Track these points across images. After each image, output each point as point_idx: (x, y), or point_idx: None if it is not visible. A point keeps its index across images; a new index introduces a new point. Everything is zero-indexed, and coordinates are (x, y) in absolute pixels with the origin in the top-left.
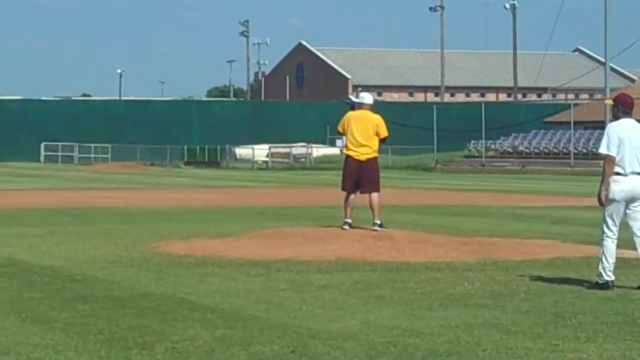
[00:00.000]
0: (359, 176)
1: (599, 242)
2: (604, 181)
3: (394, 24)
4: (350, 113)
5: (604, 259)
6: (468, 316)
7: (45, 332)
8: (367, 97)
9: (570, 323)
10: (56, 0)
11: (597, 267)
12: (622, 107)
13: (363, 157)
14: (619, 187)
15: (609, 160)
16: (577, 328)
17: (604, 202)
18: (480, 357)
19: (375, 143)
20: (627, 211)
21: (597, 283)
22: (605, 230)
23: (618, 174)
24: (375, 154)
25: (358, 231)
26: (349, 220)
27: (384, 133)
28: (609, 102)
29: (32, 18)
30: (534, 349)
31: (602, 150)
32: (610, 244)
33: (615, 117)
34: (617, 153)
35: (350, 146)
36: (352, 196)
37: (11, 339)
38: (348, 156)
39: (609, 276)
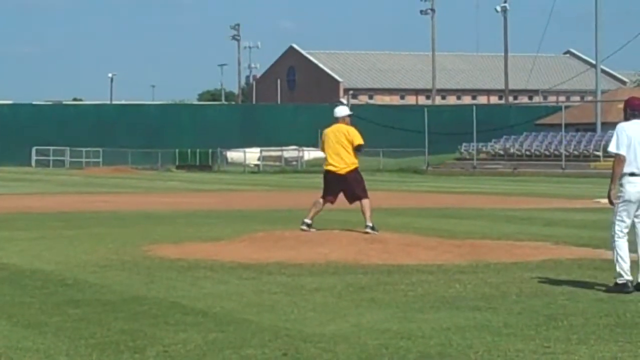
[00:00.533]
0: (340, 188)
1: (611, 244)
2: (614, 180)
3: (385, 27)
4: (326, 130)
5: (620, 260)
6: (460, 318)
7: (36, 336)
8: (339, 111)
9: (561, 325)
10: (46, 4)
11: (615, 269)
12: (630, 109)
13: (342, 171)
14: (634, 188)
15: (619, 159)
16: (568, 330)
17: (614, 201)
18: (472, 359)
19: (352, 154)
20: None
21: (616, 284)
22: (618, 230)
23: (633, 174)
24: (354, 166)
25: (350, 234)
26: (308, 221)
27: (358, 141)
28: (621, 105)
29: (23, 22)
30: (526, 350)
31: (612, 149)
32: (623, 244)
33: (626, 120)
34: (628, 153)
35: (328, 160)
36: (321, 201)
37: (2, 343)
38: (327, 171)
39: (628, 275)
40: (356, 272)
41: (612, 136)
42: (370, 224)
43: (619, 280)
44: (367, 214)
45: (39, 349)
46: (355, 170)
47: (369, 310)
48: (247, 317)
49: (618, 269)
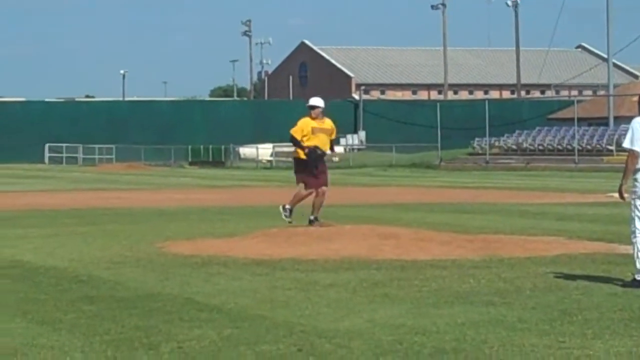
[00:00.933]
0: None
1: (631, 240)
2: (626, 175)
3: (396, 22)
4: None
5: None
6: (474, 313)
7: (51, 333)
8: None
9: (576, 320)
10: (58, 1)
11: (635, 265)
12: None
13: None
14: None
15: (632, 154)
16: (583, 325)
17: (624, 196)
18: (487, 354)
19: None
20: None
21: (634, 280)
22: (639, 226)
23: None
24: (296, 155)
25: (362, 230)
26: (311, 217)
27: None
28: (635, 98)
29: (35, 19)
30: (540, 345)
31: (626, 144)
32: None
33: None
34: None
35: None
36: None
37: (17, 340)
38: None
39: None
40: (370, 268)
41: (625, 130)
42: (288, 206)
43: (638, 277)
44: (293, 198)
45: (53, 346)
46: (296, 159)
47: (383, 306)
48: (261, 313)
49: (638, 266)
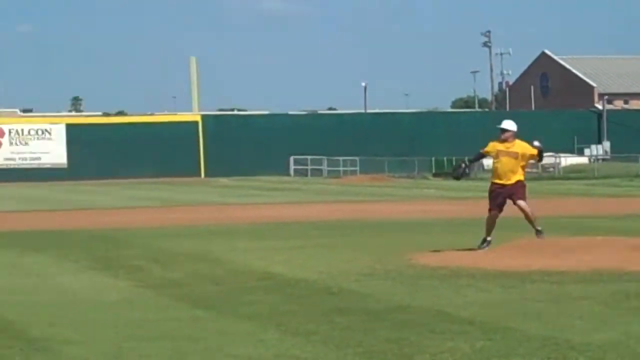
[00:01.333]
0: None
1: None
2: None
3: (636, 31)
4: None
5: None
6: None
7: (304, 344)
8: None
9: None
10: (300, 17)
11: None
12: None
13: None
14: None
15: None
16: None
17: None
18: None
19: None
20: None
21: None
22: None
23: None
24: None
25: (613, 241)
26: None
27: None
28: None
29: (279, 34)
30: None
31: None
32: None
33: None
34: None
35: None
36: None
37: (272, 351)
38: None
39: None
40: (622, 280)
41: None
42: (487, 237)
43: None
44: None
45: (307, 357)
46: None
47: (638, 319)
48: (512, 325)
49: None
